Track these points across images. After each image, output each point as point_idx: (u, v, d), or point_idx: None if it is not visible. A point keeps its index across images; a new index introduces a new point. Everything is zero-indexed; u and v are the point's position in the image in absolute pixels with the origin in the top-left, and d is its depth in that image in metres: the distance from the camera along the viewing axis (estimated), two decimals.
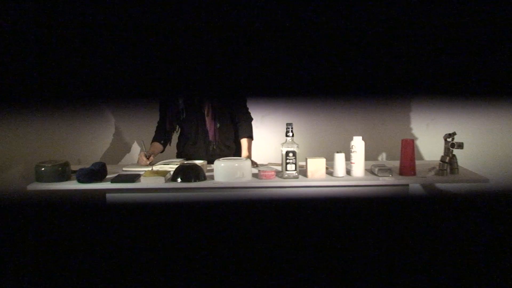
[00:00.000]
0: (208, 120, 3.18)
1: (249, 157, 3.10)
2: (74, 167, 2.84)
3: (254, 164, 3.03)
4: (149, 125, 3.37)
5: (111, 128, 3.79)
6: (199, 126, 3.20)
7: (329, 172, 2.83)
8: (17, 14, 3.41)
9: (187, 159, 3.16)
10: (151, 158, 3.08)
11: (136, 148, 3.78)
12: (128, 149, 3.82)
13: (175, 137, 3.34)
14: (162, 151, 3.26)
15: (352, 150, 2.77)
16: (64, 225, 3.51)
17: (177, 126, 3.26)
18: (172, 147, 3.34)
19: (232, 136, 3.24)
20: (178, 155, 3.32)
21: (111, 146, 3.78)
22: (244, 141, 3.17)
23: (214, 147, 3.20)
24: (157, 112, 3.31)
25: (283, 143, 2.74)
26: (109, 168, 2.90)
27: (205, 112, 3.17)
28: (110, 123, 3.79)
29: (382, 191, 2.73)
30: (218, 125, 3.19)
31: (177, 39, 3.48)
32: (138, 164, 3.10)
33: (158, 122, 3.31)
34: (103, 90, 3.63)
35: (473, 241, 3.39)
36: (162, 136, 3.26)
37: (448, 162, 2.80)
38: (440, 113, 3.78)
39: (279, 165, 2.86)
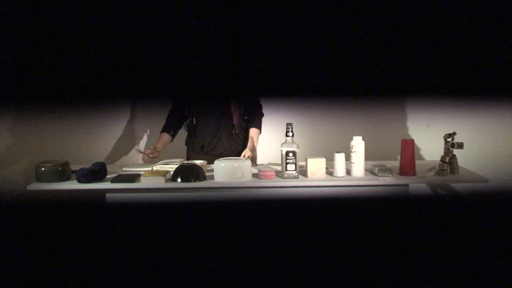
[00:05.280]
0: (233, 105, 3.19)
1: (254, 148, 3.13)
2: (74, 167, 2.84)
3: (254, 162, 3.05)
4: (153, 123, 3.36)
5: (112, 127, 3.78)
6: (221, 112, 3.19)
7: (329, 172, 2.83)
8: (19, 13, 3.41)
9: (203, 153, 3.19)
10: (153, 153, 3.09)
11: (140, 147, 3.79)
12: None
13: (181, 135, 3.33)
14: (171, 141, 3.26)
15: (352, 150, 2.77)
16: (64, 225, 3.51)
17: (194, 118, 3.23)
18: (182, 147, 3.35)
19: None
20: (191, 150, 3.30)
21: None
22: (252, 131, 3.20)
23: (237, 131, 3.20)
24: (161, 109, 3.31)
25: (283, 143, 2.74)
26: (109, 168, 2.90)
27: (231, 98, 3.19)
28: (111, 122, 3.79)
29: (382, 191, 2.73)
30: (242, 110, 3.22)
31: (180, 39, 3.50)
32: (144, 154, 3.10)
33: (171, 111, 3.30)
34: (109, 89, 3.63)
35: (473, 241, 3.39)
36: (172, 126, 3.25)
37: (448, 162, 2.80)
38: (440, 113, 3.78)
39: (279, 165, 2.86)
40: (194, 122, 3.22)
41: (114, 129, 3.79)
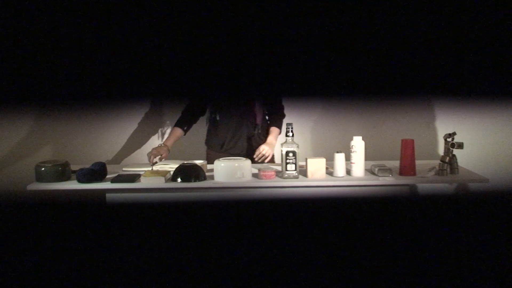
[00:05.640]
0: (257, 105, 3.19)
1: (272, 144, 3.13)
2: (74, 167, 2.84)
3: (270, 158, 3.07)
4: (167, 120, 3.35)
5: (113, 127, 3.78)
6: (244, 110, 3.18)
7: (329, 172, 2.83)
8: (19, 13, 3.41)
9: (223, 151, 3.17)
10: (156, 159, 3.08)
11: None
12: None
13: (200, 135, 3.32)
14: (184, 135, 3.24)
15: (352, 150, 2.77)
16: (64, 225, 3.51)
17: (217, 114, 3.20)
18: (202, 147, 3.34)
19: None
20: (211, 149, 3.28)
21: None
22: (273, 129, 3.19)
23: (259, 131, 3.20)
24: (169, 110, 3.30)
25: (283, 143, 2.74)
26: (109, 168, 2.90)
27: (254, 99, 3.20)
28: (112, 122, 3.78)
29: (382, 191, 2.73)
30: (266, 111, 3.22)
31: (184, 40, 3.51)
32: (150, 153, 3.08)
33: (188, 105, 3.26)
34: (111, 89, 3.63)
35: (473, 241, 3.39)
36: (187, 121, 3.23)
37: (448, 162, 2.80)
38: (440, 113, 3.78)
39: (279, 165, 2.85)
40: (217, 118, 3.20)
41: (115, 128, 3.78)
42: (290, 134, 2.72)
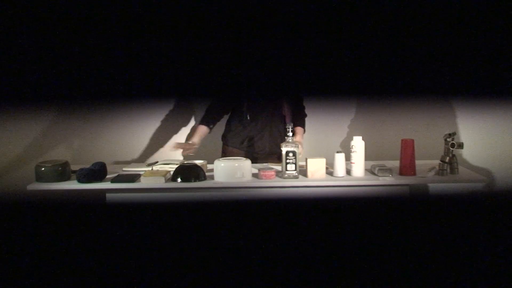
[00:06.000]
0: (286, 105, 3.19)
1: (301, 142, 3.14)
2: (74, 167, 2.84)
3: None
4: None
5: (115, 128, 3.77)
6: (270, 111, 3.18)
7: (329, 172, 2.83)
8: (19, 12, 3.41)
9: (241, 147, 3.17)
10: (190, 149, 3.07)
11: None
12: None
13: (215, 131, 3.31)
14: (209, 132, 3.21)
15: (352, 150, 2.77)
16: (64, 225, 3.51)
17: (248, 114, 3.18)
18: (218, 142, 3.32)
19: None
20: (228, 145, 3.25)
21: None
22: (298, 129, 3.21)
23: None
24: (193, 110, 3.30)
25: (283, 143, 2.74)
26: (109, 168, 2.90)
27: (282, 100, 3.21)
28: (113, 122, 3.77)
29: (382, 191, 2.73)
30: (291, 113, 3.24)
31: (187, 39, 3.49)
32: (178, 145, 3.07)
33: (213, 103, 3.23)
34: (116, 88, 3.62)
35: (473, 241, 3.39)
36: (213, 119, 3.19)
37: (448, 162, 2.80)
38: (440, 113, 3.78)
39: (279, 165, 2.86)
40: (247, 118, 3.18)
41: (116, 128, 3.77)
42: (290, 134, 2.73)
